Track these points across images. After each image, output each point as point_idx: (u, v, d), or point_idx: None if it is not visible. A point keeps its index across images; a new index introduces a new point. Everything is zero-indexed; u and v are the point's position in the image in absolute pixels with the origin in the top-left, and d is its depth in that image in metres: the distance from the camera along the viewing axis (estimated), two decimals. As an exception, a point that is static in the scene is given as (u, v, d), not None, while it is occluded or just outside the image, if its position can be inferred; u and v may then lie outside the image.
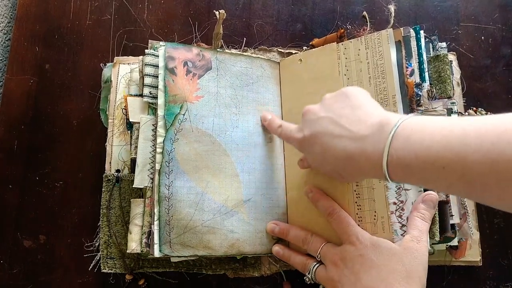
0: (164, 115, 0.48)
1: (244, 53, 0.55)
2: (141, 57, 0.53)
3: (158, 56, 0.50)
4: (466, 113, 0.53)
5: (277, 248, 0.49)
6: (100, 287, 0.52)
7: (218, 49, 0.54)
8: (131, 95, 0.53)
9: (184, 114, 0.49)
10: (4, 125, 0.56)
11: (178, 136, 0.48)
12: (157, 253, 0.45)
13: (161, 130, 0.48)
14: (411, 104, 0.46)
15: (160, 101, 0.49)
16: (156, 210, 0.46)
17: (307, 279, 0.46)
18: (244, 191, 0.50)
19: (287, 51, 0.57)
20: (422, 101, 0.47)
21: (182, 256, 0.46)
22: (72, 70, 0.58)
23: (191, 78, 0.51)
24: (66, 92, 0.57)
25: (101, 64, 0.57)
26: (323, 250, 0.44)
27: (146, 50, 0.51)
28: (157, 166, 0.47)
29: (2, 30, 0.62)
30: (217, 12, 0.50)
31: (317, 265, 0.45)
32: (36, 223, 0.54)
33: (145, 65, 0.51)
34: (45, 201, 0.54)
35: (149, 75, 0.51)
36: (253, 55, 0.56)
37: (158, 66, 0.50)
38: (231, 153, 0.51)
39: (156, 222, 0.46)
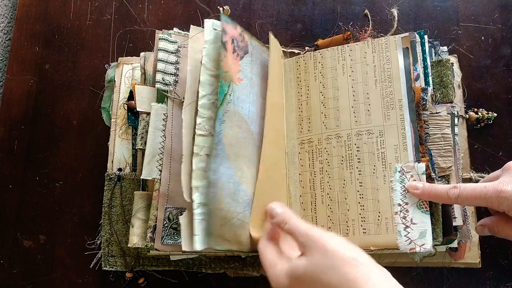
0: (208, 94, 0.42)
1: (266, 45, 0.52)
2: (142, 53, 0.53)
3: (172, 42, 0.48)
4: (467, 115, 0.53)
5: None
6: (100, 286, 0.52)
7: None
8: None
9: (230, 95, 0.44)
10: (4, 125, 0.56)
11: (225, 117, 0.43)
12: (199, 246, 0.39)
13: (203, 110, 0.42)
14: (418, 109, 0.46)
15: (203, 78, 0.43)
16: (196, 197, 0.39)
17: None
18: None
19: (290, 50, 0.57)
20: (427, 106, 0.47)
21: (195, 252, 0.42)
22: (72, 70, 0.58)
23: (235, 57, 0.45)
24: (66, 92, 0.57)
25: (105, 65, 0.57)
26: None
27: (160, 35, 0.49)
28: (196, 150, 0.41)
29: (2, 30, 0.62)
30: (221, 9, 0.50)
31: None
32: (36, 223, 0.54)
33: (158, 50, 0.48)
34: (45, 201, 0.54)
35: (162, 61, 0.47)
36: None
37: (170, 52, 0.47)
38: (260, 144, 0.46)
39: (197, 211, 0.39)
